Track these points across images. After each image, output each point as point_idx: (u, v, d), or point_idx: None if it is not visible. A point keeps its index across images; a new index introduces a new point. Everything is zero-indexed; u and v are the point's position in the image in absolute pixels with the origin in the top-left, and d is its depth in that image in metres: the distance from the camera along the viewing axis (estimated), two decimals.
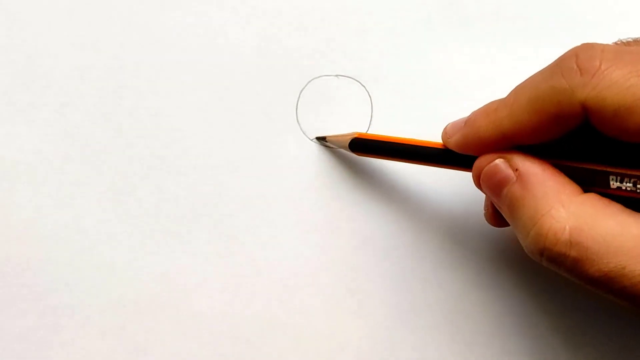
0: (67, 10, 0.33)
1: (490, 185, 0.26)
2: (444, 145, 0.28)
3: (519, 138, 0.25)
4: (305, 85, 0.33)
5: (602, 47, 0.24)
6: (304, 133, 0.33)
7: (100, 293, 0.32)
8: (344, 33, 0.33)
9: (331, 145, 0.32)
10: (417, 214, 0.33)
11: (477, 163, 0.27)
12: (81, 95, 0.33)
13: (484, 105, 0.27)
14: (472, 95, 0.33)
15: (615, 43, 0.27)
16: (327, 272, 0.32)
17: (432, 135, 0.33)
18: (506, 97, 0.26)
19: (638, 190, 0.24)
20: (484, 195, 0.31)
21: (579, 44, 0.24)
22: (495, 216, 0.28)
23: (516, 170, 0.25)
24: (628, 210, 0.23)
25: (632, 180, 0.24)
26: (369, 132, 0.32)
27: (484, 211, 0.30)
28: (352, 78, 0.33)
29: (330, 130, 0.33)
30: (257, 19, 0.33)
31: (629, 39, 0.26)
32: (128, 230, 0.32)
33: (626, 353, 0.32)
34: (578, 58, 0.23)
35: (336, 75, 0.33)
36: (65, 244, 0.32)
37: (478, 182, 0.27)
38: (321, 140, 0.32)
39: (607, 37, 0.24)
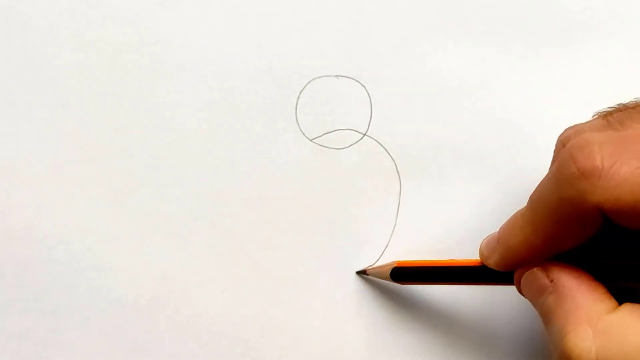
0: (67, 10, 0.33)
1: (529, 292, 0.26)
2: (481, 263, 0.28)
3: (553, 248, 0.25)
4: (305, 85, 0.33)
5: (596, 140, 0.23)
6: (303, 133, 0.33)
7: (100, 293, 0.32)
8: (344, 33, 0.33)
9: (372, 278, 0.32)
10: (416, 216, 0.33)
11: (518, 272, 0.26)
12: (81, 95, 0.33)
13: (510, 221, 0.26)
14: (472, 95, 0.33)
15: (596, 116, 0.25)
16: (326, 272, 0.32)
17: (429, 138, 0.33)
18: (526, 213, 0.25)
19: None
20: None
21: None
22: None
23: (552, 281, 0.24)
24: None
25: None
26: (407, 260, 0.31)
27: None
28: (352, 78, 0.33)
29: (329, 130, 0.33)
30: (257, 19, 0.33)
31: (608, 109, 0.25)
32: (128, 230, 0.32)
33: None
34: (576, 160, 0.23)
35: (336, 76, 0.33)
36: (65, 244, 0.32)
37: (520, 289, 0.27)
38: (361, 273, 0.32)
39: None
